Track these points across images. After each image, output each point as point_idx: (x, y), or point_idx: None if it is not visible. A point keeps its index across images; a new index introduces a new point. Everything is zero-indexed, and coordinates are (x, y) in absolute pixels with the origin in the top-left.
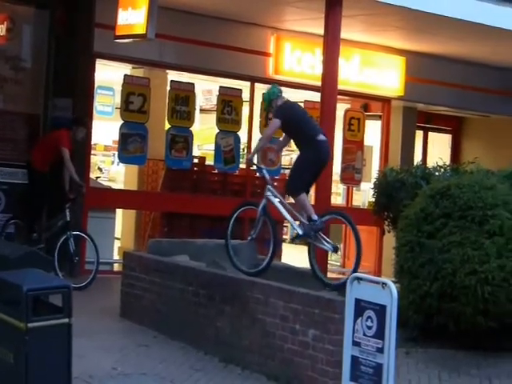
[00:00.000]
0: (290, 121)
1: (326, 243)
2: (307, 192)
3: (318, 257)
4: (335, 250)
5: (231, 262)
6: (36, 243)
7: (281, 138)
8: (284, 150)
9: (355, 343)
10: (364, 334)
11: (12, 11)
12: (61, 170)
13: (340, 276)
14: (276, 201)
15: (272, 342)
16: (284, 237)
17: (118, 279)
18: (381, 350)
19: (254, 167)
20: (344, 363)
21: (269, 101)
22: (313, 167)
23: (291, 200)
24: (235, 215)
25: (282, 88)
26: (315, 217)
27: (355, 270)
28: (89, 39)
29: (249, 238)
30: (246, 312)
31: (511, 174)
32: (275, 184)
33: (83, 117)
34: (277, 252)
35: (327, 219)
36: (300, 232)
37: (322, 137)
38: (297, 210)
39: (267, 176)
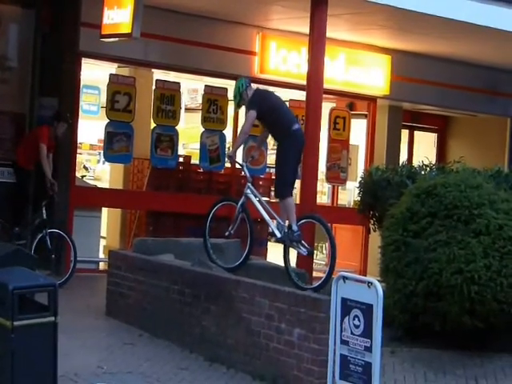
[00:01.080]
0: (264, 109)
1: (301, 247)
2: (293, 184)
3: (303, 256)
4: (310, 254)
5: (209, 257)
6: (17, 238)
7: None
8: (269, 148)
9: (343, 342)
10: (352, 333)
11: None
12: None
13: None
14: (255, 199)
15: (257, 341)
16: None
17: (103, 278)
18: (369, 349)
19: (237, 165)
20: (329, 362)
21: (239, 94)
22: (292, 160)
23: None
24: (213, 210)
25: (268, 87)
26: (295, 227)
27: (330, 273)
28: (74, 38)
29: (226, 234)
30: (231, 311)
31: (497, 173)
32: (260, 183)
33: (64, 112)
34: (253, 248)
35: (302, 223)
36: (277, 235)
37: (296, 126)
38: (280, 212)
39: (248, 173)
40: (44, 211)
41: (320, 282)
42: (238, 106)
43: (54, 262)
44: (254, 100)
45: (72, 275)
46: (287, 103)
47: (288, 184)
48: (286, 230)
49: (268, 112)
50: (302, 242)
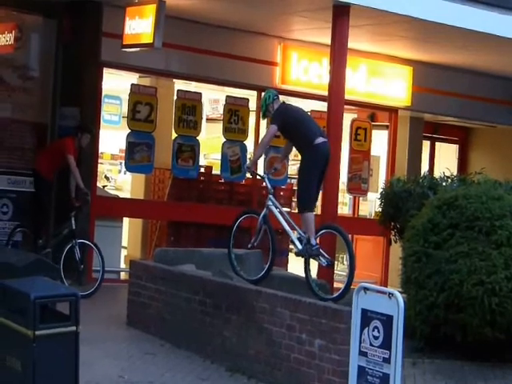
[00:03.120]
0: (286, 124)
1: (321, 258)
2: (316, 198)
3: (324, 268)
4: (330, 265)
5: (233, 269)
6: (42, 249)
7: (283, 146)
8: (290, 159)
9: (362, 353)
10: (371, 344)
11: (20, 20)
12: (67, 178)
13: None
14: (276, 211)
15: (278, 351)
16: (291, 247)
17: (124, 288)
18: (388, 361)
19: (257, 177)
20: (350, 373)
21: (265, 106)
22: (314, 174)
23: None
24: (237, 224)
25: (289, 98)
26: (313, 241)
27: (349, 284)
28: (96, 48)
29: (249, 246)
30: (252, 321)
31: None
32: (281, 193)
33: (88, 124)
34: (275, 260)
35: (321, 234)
36: (298, 247)
37: (319, 139)
38: (301, 225)
39: (269, 185)
40: (73, 221)
41: (339, 292)
42: (263, 117)
43: (82, 272)
44: (278, 114)
45: (100, 286)
46: (309, 113)
47: (308, 198)
48: (306, 243)
49: (290, 126)
50: (322, 253)
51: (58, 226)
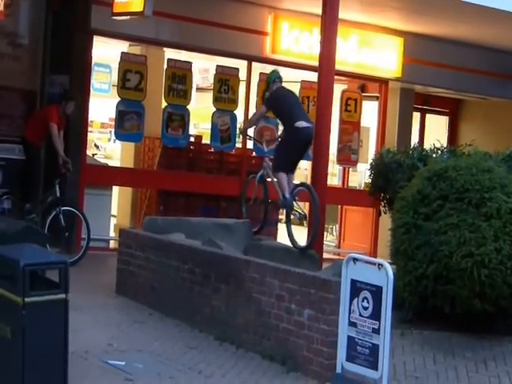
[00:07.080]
0: (275, 106)
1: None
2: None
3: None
4: (303, 217)
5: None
6: (28, 214)
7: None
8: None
9: (351, 324)
10: (360, 315)
11: None
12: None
13: (335, 257)
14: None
15: (267, 321)
16: (280, 217)
17: (114, 256)
18: (377, 331)
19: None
20: (339, 343)
21: (267, 84)
22: (290, 150)
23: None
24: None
25: (279, 67)
26: (287, 195)
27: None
28: (86, 16)
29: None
30: (241, 291)
31: (508, 157)
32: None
33: (72, 91)
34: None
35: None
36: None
37: (301, 123)
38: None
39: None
40: (57, 189)
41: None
42: (264, 91)
43: (66, 240)
44: (270, 97)
45: (85, 253)
46: (298, 84)
47: (280, 163)
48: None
49: (278, 108)
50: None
51: (44, 192)
